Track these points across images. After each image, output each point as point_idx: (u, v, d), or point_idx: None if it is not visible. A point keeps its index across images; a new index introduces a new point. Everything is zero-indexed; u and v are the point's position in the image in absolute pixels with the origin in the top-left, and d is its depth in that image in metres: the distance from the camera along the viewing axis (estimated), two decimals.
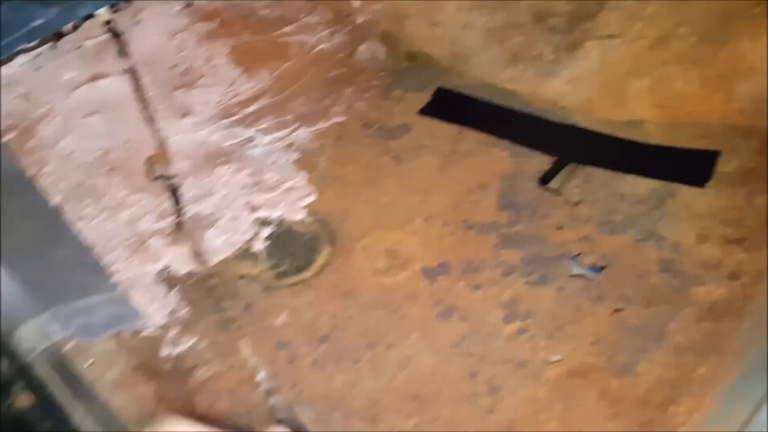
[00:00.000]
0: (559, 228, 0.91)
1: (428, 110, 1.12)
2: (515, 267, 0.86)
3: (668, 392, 0.67)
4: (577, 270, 0.84)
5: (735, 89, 0.85)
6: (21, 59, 1.04)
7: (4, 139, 0.99)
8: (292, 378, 0.77)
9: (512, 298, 0.82)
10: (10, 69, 1.03)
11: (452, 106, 1.12)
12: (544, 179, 0.98)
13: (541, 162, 1.01)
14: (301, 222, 0.97)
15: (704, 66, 0.86)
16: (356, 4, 1.08)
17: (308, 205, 0.99)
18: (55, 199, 0.95)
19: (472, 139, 1.06)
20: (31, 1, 1.01)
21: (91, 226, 0.93)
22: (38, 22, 1.02)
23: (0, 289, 0.76)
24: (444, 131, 1.08)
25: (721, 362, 0.67)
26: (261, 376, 0.77)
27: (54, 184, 0.97)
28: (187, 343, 0.81)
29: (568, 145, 1.02)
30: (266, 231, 0.96)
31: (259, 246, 0.94)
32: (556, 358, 0.74)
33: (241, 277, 0.90)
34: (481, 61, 1.08)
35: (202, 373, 0.77)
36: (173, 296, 0.87)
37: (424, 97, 1.13)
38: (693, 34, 0.87)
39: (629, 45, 0.94)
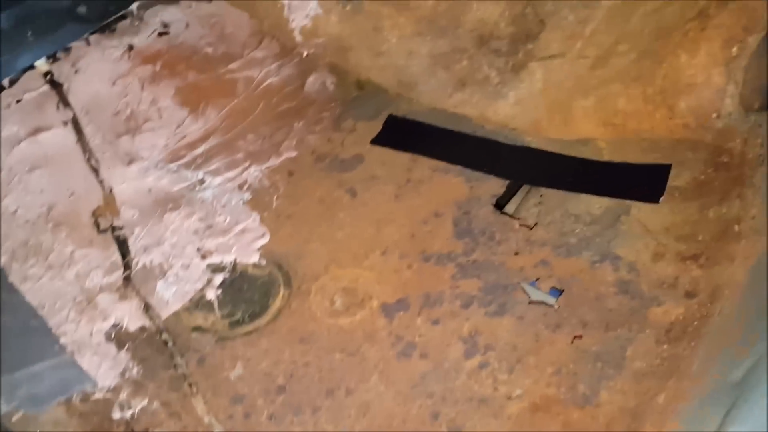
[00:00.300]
0: (516, 253, 0.89)
1: (380, 139, 1.10)
2: (474, 297, 0.85)
3: (630, 422, 0.66)
4: (535, 296, 0.83)
5: (677, 105, 0.85)
6: None
7: None
8: (245, 428, 0.75)
9: (472, 330, 0.81)
10: None
11: (404, 134, 1.10)
12: (499, 203, 0.97)
13: (496, 186, 1.00)
14: (255, 265, 0.95)
15: (645, 83, 0.86)
16: (299, 38, 1.07)
17: (262, 247, 0.97)
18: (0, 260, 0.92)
19: (426, 166, 1.05)
20: None
21: (37, 287, 0.90)
22: None
23: None
24: (397, 160, 1.06)
25: (679, 387, 0.66)
26: (214, 429, 0.75)
27: None
28: (139, 404, 0.78)
29: (521, 167, 1.01)
30: (219, 277, 0.93)
31: (211, 294, 0.91)
32: (518, 392, 0.73)
33: (194, 329, 0.87)
34: (428, 88, 1.07)
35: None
36: (123, 355, 0.84)
37: (376, 126, 1.12)
38: (632, 51, 0.87)
39: (571, 64, 0.93)
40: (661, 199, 0.88)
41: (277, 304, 0.89)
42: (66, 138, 1.05)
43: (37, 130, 1.04)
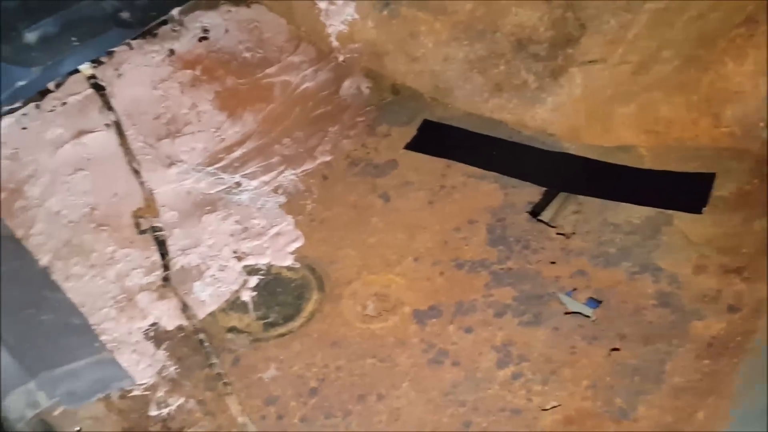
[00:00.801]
0: (553, 262, 0.88)
1: (414, 145, 1.10)
2: (508, 306, 0.84)
3: None
4: (572, 307, 0.82)
5: (723, 113, 0.83)
6: (6, 120, 1.05)
7: None
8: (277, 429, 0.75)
9: (505, 340, 0.80)
10: None
11: (438, 139, 1.10)
12: (535, 211, 0.96)
13: (532, 193, 0.99)
14: (289, 268, 0.96)
15: (689, 90, 0.84)
16: (335, 43, 1.07)
17: (296, 251, 0.98)
18: (44, 260, 0.94)
19: (460, 172, 1.04)
20: (13, 64, 1.01)
21: (79, 286, 0.93)
22: (21, 83, 1.03)
23: None
24: (431, 165, 1.06)
25: (719, 406, 0.64)
26: (247, 428, 0.75)
27: (42, 244, 0.96)
28: (176, 402, 0.80)
29: (559, 174, 1.00)
30: (254, 280, 0.94)
31: (246, 296, 0.92)
32: (552, 404, 0.72)
33: (229, 330, 0.88)
34: (464, 93, 1.06)
35: (189, 429, 0.76)
36: (161, 353, 0.85)
37: (410, 132, 1.12)
38: (676, 57, 0.85)
39: (612, 70, 0.91)
40: (704, 209, 0.86)
41: (310, 307, 0.89)
42: (109, 141, 1.08)
43: (81, 133, 1.07)
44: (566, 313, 0.81)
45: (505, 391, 0.74)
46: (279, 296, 0.92)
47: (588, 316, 0.80)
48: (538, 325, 0.81)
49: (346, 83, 1.20)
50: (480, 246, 0.93)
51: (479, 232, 0.95)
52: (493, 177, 1.02)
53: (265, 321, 0.89)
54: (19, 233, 0.96)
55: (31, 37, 1.03)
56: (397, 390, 0.77)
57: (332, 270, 0.94)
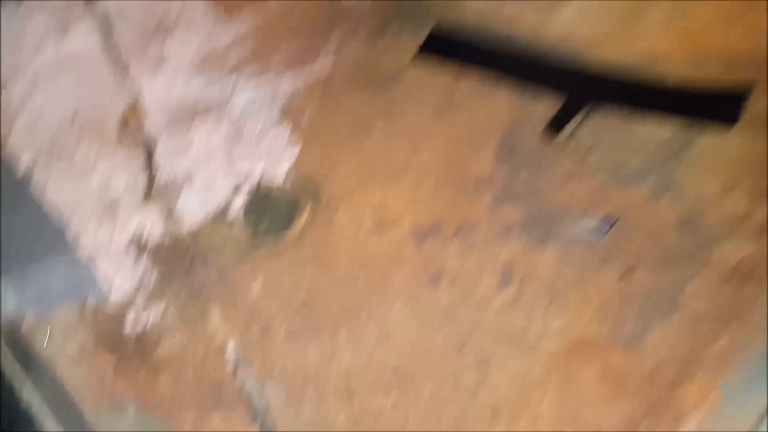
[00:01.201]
0: (565, 181, 0.81)
1: (421, 55, 1.01)
2: (513, 227, 0.77)
3: (679, 368, 0.59)
4: (582, 227, 0.75)
5: (762, 19, 0.73)
6: None
7: None
8: (264, 351, 0.71)
9: (508, 261, 0.74)
10: None
11: (448, 50, 1.00)
12: (550, 126, 0.88)
13: (548, 107, 0.90)
14: (283, 178, 0.89)
15: None
16: None
17: (290, 160, 0.91)
18: (23, 160, 0.89)
19: (471, 85, 0.95)
20: None
21: (59, 191, 0.87)
22: None
23: None
24: (439, 78, 0.97)
25: (743, 333, 0.58)
26: (230, 348, 0.71)
27: (21, 144, 0.91)
28: (154, 312, 0.75)
29: (578, 87, 0.91)
30: (244, 190, 0.88)
31: (236, 206, 0.87)
32: (554, 330, 0.66)
33: (216, 240, 0.83)
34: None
35: (167, 346, 0.72)
36: (141, 262, 0.80)
37: (418, 41, 1.02)
38: None
39: None
40: (736, 126, 0.77)
41: (302, 219, 0.84)
42: (92, 38, 1.00)
43: (63, 29, 0.99)
44: (576, 235, 0.75)
45: (504, 314, 0.69)
46: (270, 208, 0.86)
47: (600, 238, 0.73)
48: (544, 246, 0.74)
49: None
50: (487, 162, 0.85)
51: (488, 147, 0.87)
52: (506, 91, 0.93)
53: (255, 232, 0.83)
54: None
55: None
56: (389, 309, 0.72)
57: (328, 183, 0.88)
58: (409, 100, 0.93)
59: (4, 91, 0.94)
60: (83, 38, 0.99)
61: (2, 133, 0.90)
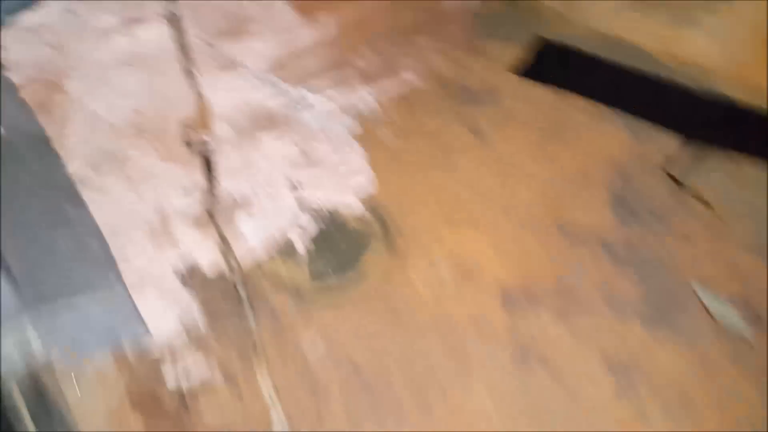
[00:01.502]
0: (691, 243, 0.66)
1: (523, 68, 0.88)
2: (626, 299, 0.63)
3: None
4: (715, 310, 0.61)
5: None
6: (52, 3, 0.91)
7: (30, 94, 0.86)
8: (312, 422, 0.60)
9: (617, 346, 0.60)
10: (41, 15, 0.90)
11: (556, 64, 0.87)
12: (672, 169, 0.73)
13: (671, 145, 0.76)
14: (351, 209, 0.79)
15: None
16: None
17: (362, 188, 0.80)
18: (73, 166, 0.82)
19: (580, 109, 0.82)
20: None
21: (107, 201, 0.80)
22: None
23: None
24: (542, 97, 0.84)
25: None
26: (276, 417, 0.61)
27: (74, 147, 0.84)
28: (195, 363, 0.66)
29: (710, 123, 0.76)
30: (308, 218, 0.78)
31: (297, 237, 0.77)
32: None
33: (272, 276, 0.73)
34: (596, 8, 0.82)
35: (206, 408, 0.62)
36: (188, 298, 0.72)
37: (520, 50, 0.90)
38: None
39: None
40: None
41: (369, 260, 0.73)
42: (163, 35, 0.92)
43: (133, 22, 0.92)
44: (708, 321, 0.60)
45: (609, 415, 0.55)
46: (335, 242, 0.76)
47: (742, 329, 0.58)
48: (665, 331, 0.60)
49: None
50: (595, 208, 0.72)
51: (596, 189, 0.74)
52: (622, 118, 0.79)
53: (315, 270, 0.73)
54: (51, 132, 0.83)
55: None
56: (466, 391, 0.60)
57: (402, 217, 0.76)
58: (507, 124, 0.80)
59: (63, 86, 0.87)
60: (153, 35, 0.92)
61: (56, 133, 0.84)
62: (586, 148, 0.77)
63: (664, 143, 0.77)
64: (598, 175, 0.74)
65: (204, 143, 0.85)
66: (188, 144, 0.86)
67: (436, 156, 0.82)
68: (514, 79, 0.86)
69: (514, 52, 0.89)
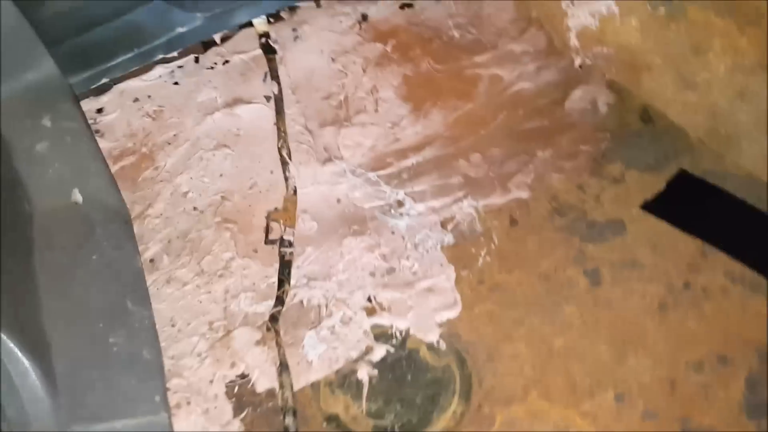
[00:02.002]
0: None
1: (658, 205, 0.76)
2: None
3: None
4: None
5: None
6: (158, 70, 0.89)
7: (120, 165, 0.84)
8: None
9: None
10: (144, 81, 0.89)
11: (697, 206, 0.74)
12: None
13: None
14: (431, 347, 0.69)
15: None
16: (575, 41, 0.75)
17: (446, 323, 0.70)
18: (150, 251, 0.78)
19: (722, 268, 0.68)
20: (176, 3, 0.84)
21: (176, 296, 0.75)
22: (182, 29, 0.85)
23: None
24: (677, 245, 0.71)
25: None
26: None
27: (155, 229, 0.80)
28: None
29: None
30: (381, 350, 0.69)
31: (364, 372, 0.68)
32: None
33: (328, 417, 0.64)
34: (755, 149, 0.69)
35: None
36: (235, 426, 0.64)
37: (656, 183, 0.77)
38: None
39: None
40: None
41: (442, 422, 0.62)
42: (264, 117, 0.88)
43: (235, 102, 0.89)
44: None
45: None
46: (406, 387, 0.66)
47: None
48: None
49: (577, 93, 0.87)
50: (729, 408, 0.58)
51: (733, 381, 0.59)
52: None
53: (378, 422, 0.63)
54: (134, 211, 0.80)
55: None
56: None
57: (488, 370, 0.65)
58: (631, 273, 0.68)
59: (156, 160, 0.85)
60: (253, 116, 0.88)
61: (140, 211, 0.80)
62: (724, 322, 0.63)
63: None
64: (737, 362, 0.60)
65: (285, 242, 0.79)
66: (269, 240, 0.80)
67: (540, 296, 0.70)
68: (646, 217, 0.74)
69: (649, 182, 0.77)
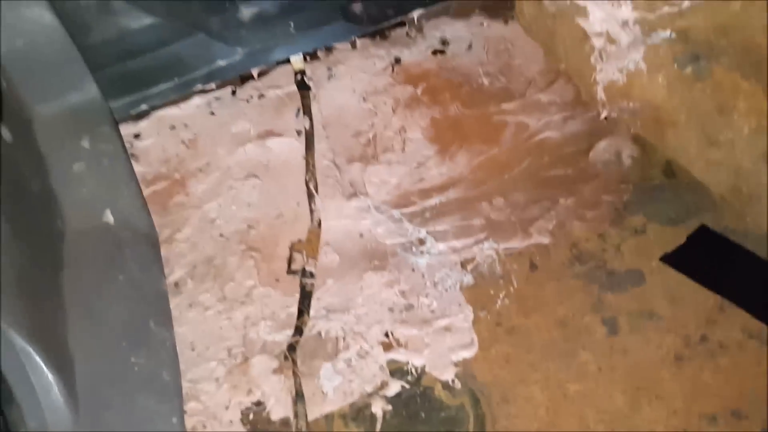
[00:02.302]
0: None
1: (678, 258, 0.76)
2: None
3: None
4: None
5: None
6: (196, 100, 0.93)
7: (152, 189, 0.87)
8: None
9: None
10: (181, 110, 0.92)
11: (716, 261, 0.75)
12: None
13: None
14: (446, 386, 0.69)
15: None
16: (602, 95, 0.77)
17: (462, 362, 0.71)
18: (175, 274, 0.80)
19: (740, 324, 0.69)
20: (218, 39, 0.88)
21: (198, 320, 0.77)
22: (222, 62, 0.89)
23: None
24: (696, 299, 0.72)
25: None
26: None
27: (181, 253, 0.82)
28: None
29: None
30: (396, 385, 0.70)
31: (378, 407, 0.68)
32: None
33: None
34: None
35: None
36: None
37: (676, 236, 0.78)
38: None
39: None
40: None
41: None
42: (293, 150, 0.91)
43: (267, 134, 0.92)
44: None
45: None
46: (419, 424, 0.67)
47: None
48: None
49: (602, 144, 0.89)
50: None
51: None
52: None
53: None
54: (162, 234, 0.82)
55: (246, 12, 0.88)
56: None
57: (502, 412, 0.66)
58: (646, 318, 0.68)
59: (188, 186, 0.87)
60: (284, 149, 0.90)
61: (168, 235, 0.83)
62: (739, 376, 0.64)
63: None
64: (750, 416, 0.60)
65: (306, 272, 0.81)
66: (292, 270, 0.81)
67: (556, 342, 0.71)
68: (666, 269, 0.74)
69: (669, 235, 0.78)
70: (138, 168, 0.87)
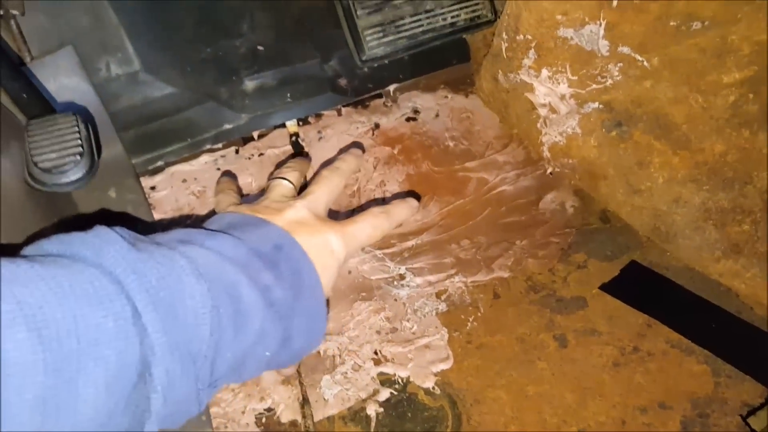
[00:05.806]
0: None
1: (613, 287, 0.92)
2: None
3: None
4: None
5: None
6: (205, 158, 1.07)
7: None
8: None
9: None
10: (193, 165, 1.06)
11: (644, 289, 0.91)
12: (753, 421, 0.73)
13: (752, 391, 0.76)
14: (427, 392, 0.83)
15: None
16: (547, 153, 0.95)
17: (440, 373, 0.84)
18: None
19: (664, 337, 0.84)
20: (226, 106, 1.04)
21: None
22: (228, 126, 1.04)
23: None
24: (628, 318, 0.88)
25: None
26: None
27: None
28: None
29: None
30: (385, 393, 0.83)
31: (372, 410, 0.81)
32: None
33: None
34: (690, 245, 0.87)
35: None
36: None
37: (611, 270, 0.95)
38: None
39: None
40: None
41: None
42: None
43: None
44: None
45: None
46: (406, 422, 0.79)
47: None
48: None
49: (549, 196, 1.06)
50: None
51: (671, 423, 0.74)
52: (705, 356, 0.81)
53: None
54: None
55: (249, 85, 1.05)
56: None
57: (475, 411, 0.79)
58: (589, 334, 0.83)
59: None
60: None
61: None
62: (664, 377, 0.79)
63: (746, 389, 0.77)
64: (674, 408, 0.75)
65: None
66: None
67: (517, 355, 0.85)
68: (603, 296, 0.90)
69: (606, 269, 0.94)
70: (155, 215, 1.00)
